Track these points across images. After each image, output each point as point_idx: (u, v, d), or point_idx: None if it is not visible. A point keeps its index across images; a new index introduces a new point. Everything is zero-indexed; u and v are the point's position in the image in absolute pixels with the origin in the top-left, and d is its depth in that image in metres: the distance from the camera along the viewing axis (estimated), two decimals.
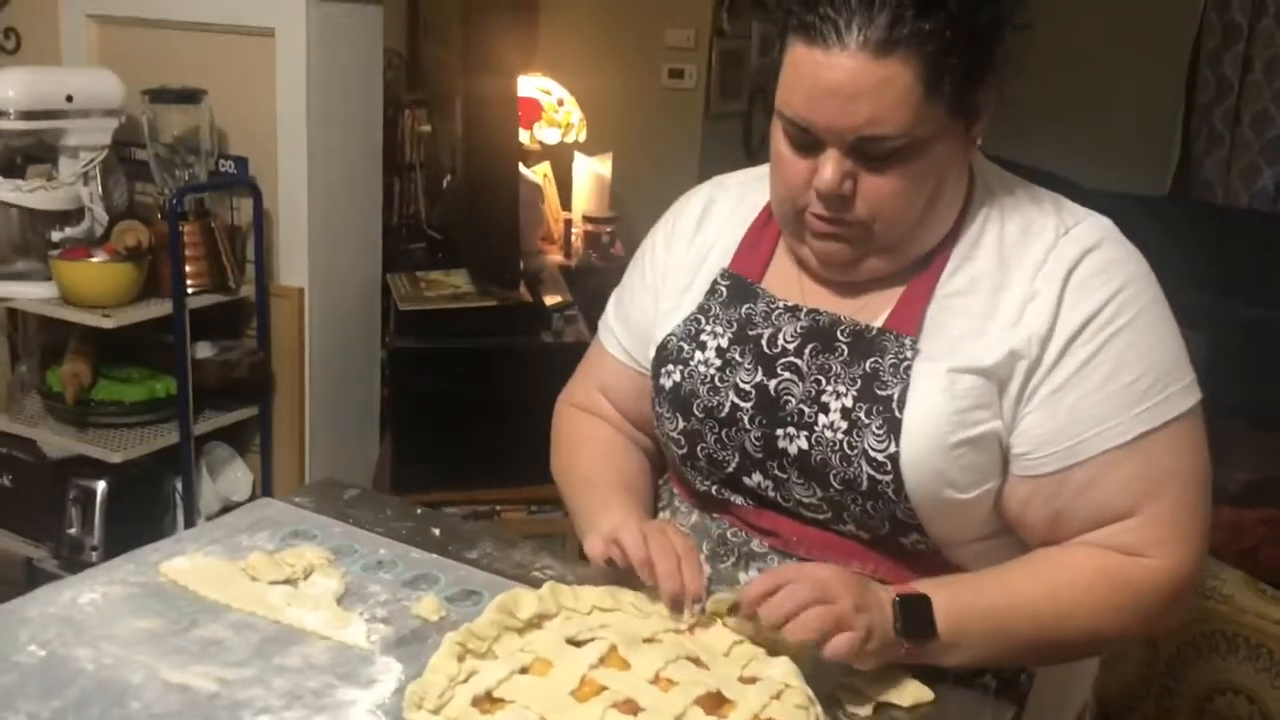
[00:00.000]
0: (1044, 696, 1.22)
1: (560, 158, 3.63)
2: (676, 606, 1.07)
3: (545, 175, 3.50)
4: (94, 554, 2.53)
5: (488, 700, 0.93)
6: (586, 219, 3.47)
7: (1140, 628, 1.15)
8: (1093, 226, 1.14)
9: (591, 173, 3.54)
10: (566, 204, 3.60)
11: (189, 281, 2.56)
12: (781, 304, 1.20)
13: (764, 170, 1.29)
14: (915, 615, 1.05)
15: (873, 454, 1.09)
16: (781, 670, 0.98)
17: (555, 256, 3.40)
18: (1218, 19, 4.85)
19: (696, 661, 0.99)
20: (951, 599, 1.07)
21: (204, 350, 2.65)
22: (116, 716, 0.97)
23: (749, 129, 4.64)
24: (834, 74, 1.03)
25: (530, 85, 3.52)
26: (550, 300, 2.88)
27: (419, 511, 1.38)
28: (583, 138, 3.62)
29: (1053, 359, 1.09)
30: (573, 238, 3.46)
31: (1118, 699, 2.29)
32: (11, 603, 1.13)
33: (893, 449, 1.09)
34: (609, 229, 3.43)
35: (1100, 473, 1.08)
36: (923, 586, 1.08)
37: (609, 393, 1.37)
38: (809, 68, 1.05)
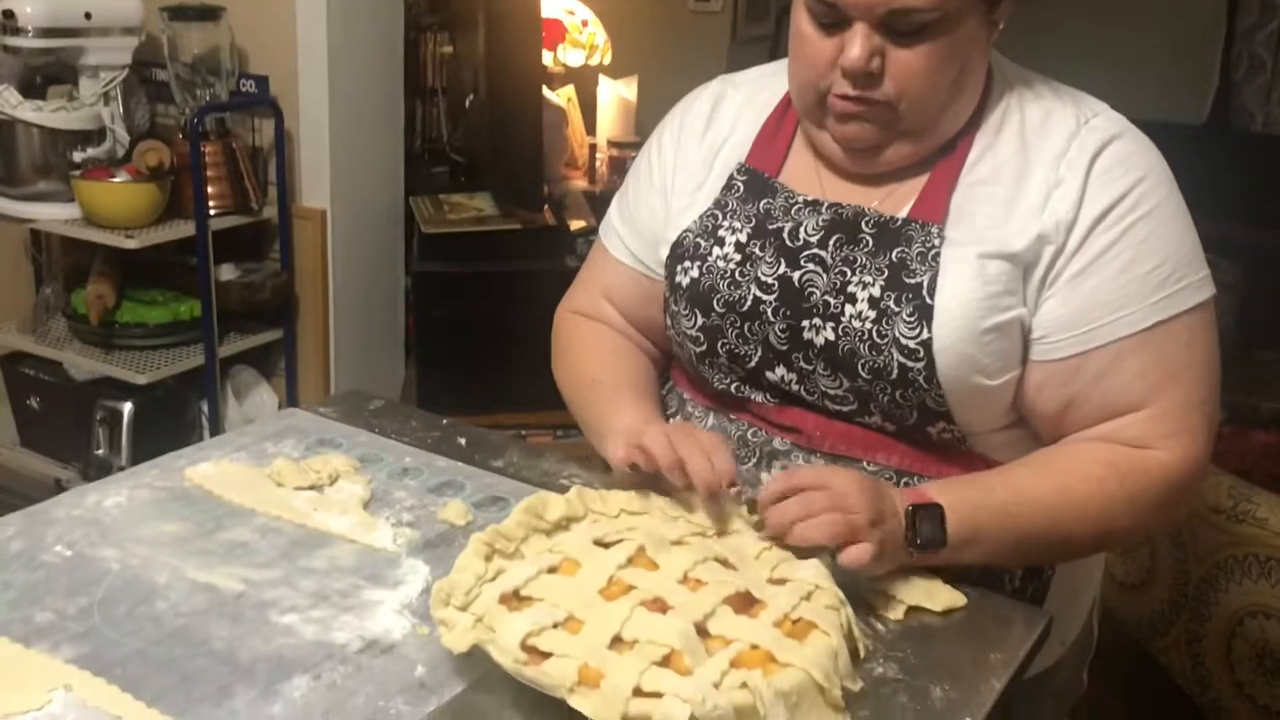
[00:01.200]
0: (1057, 595, 1.21)
1: (585, 81, 3.57)
2: (713, 498, 1.05)
3: (569, 99, 3.45)
4: (133, 467, 2.54)
5: (515, 598, 0.92)
6: (611, 144, 3.42)
7: (1149, 520, 1.14)
8: (1112, 117, 1.14)
9: (616, 96, 3.48)
10: (591, 128, 3.55)
11: (211, 203, 2.55)
12: (801, 198, 1.18)
13: (775, 66, 1.26)
14: (928, 525, 1.04)
15: (904, 341, 1.08)
16: (812, 572, 0.97)
17: (579, 182, 3.36)
18: None
19: (725, 563, 0.98)
20: (960, 501, 1.06)
21: (227, 272, 2.65)
22: (143, 614, 0.96)
23: (775, 53, 4.55)
24: None
25: (554, 5, 3.46)
26: (574, 224, 2.85)
27: (445, 422, 1.37)
28: (607, 60, 3.56)
29: (1075, 245, 1.08)
30: (597, 163, 3.42)
31: (1147, 623, 2.28)
32: (38, 505, 1.13)
33: (925, 335, 1.07)
34: (634, 154, 3.38)
35: (1115, 360, 1.08)
36: (933, 490, 1.08)
37: (613, 297, 1.34)
38: None
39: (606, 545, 0.99)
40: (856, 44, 1.06)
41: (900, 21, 1.04)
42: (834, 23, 1.07)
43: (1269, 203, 4.28)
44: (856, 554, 0.99)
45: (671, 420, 1.30)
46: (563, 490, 1.09)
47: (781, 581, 0.97)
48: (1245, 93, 4.88)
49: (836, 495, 1.02)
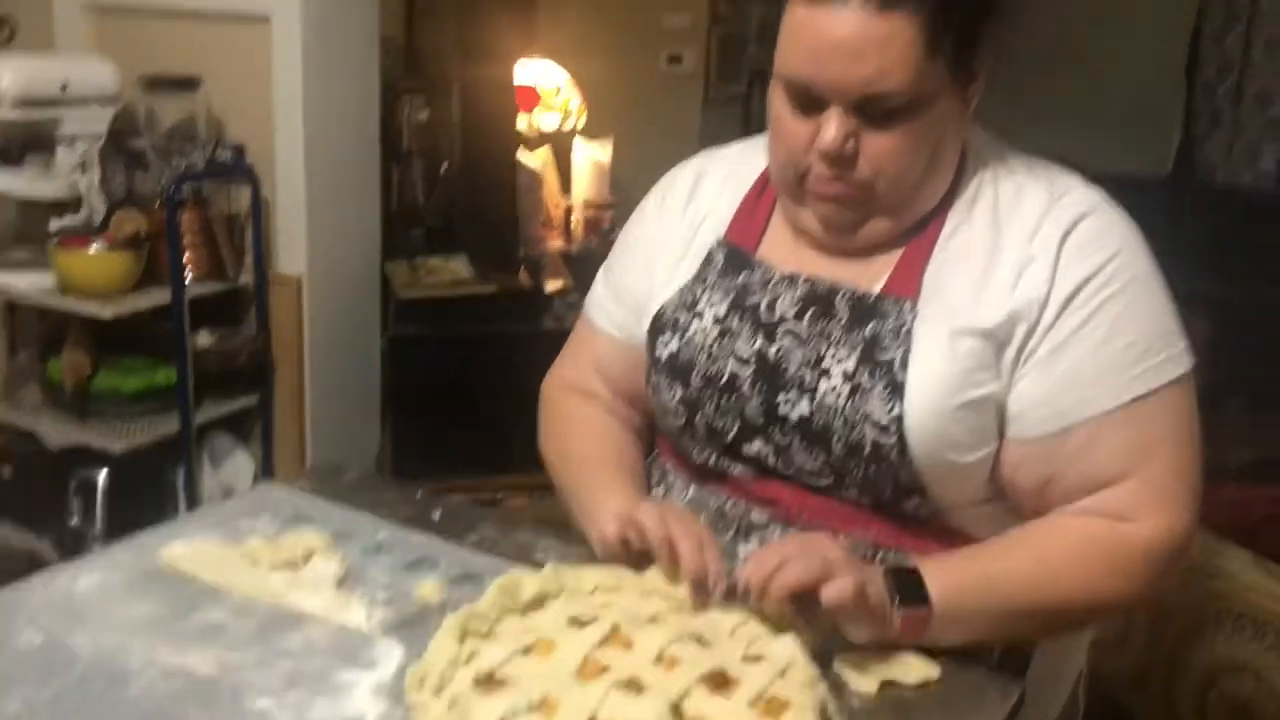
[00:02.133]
0: (1041, 668, 1.21)
1: (560, 144, 3.61)
2: (700, 589, 1.05)
3: (545, 161, 3.49)
4: (96, 545, 2.52)
5: (489, 681, 0.92)
6: (587, 204, 3.46)
7: (1135, 593, 1.14)
8: (1085, 193, 1.15)
9: (591, 158, 3.53)
10: (567, 189, 3.59)
11: (187, 270, 2.56)
12: (778, 272, 1.19)
13: (756, 142, 1.29)
14: (907, 582, 1.04)
15: (876, 417, 1.09)
16: (786, 649, 0.98)
17: (556, 242, 3.39)
18: None
19: (700, 640, 0.98)
20: (940, 568, 1.07)
21: (204, 339, 2.64)
22: (115, 700, 0.96)
23: (748, 113, 4.62)
24: (838, 30, 1.03)
25: (529, 71, 3.51)
26: (551, 286, 2.88)
27: (419, 495, 1.37)
28: (582, 123, 3.61)
29: (1049, 322, 1.09)
30: (573, 223, 3.46)
31: (1124, 680, 2.28)
32: (8, 589, 1.13)
33: (897, 411, 1.08)
34: (609, 214, 3.42)
35: (1093, 437, 1.08)
36: (913, 560, 1.09)
37: (602, 369, 1.35)
38: (811, 26, 1.05)
39: (582, 623, 0.99)
40: (832, 127, 1.07)
41: (874, 105, 1.06)
42: (809, 105, 1.09)
43: (1233, 254, 4.35)
44: (838, 589, 0.98)
45: (655, 489, 1.31)
46: (538, 565, 1.09)
47: (756, 659, 0.97)
48: (1207, 146, 4.98)
49: (811, 543, 1.03)
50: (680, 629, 0.99)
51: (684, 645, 0.97)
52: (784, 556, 1.01)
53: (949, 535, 1.15)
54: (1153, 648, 2.22)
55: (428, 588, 1.14)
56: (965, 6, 1.05)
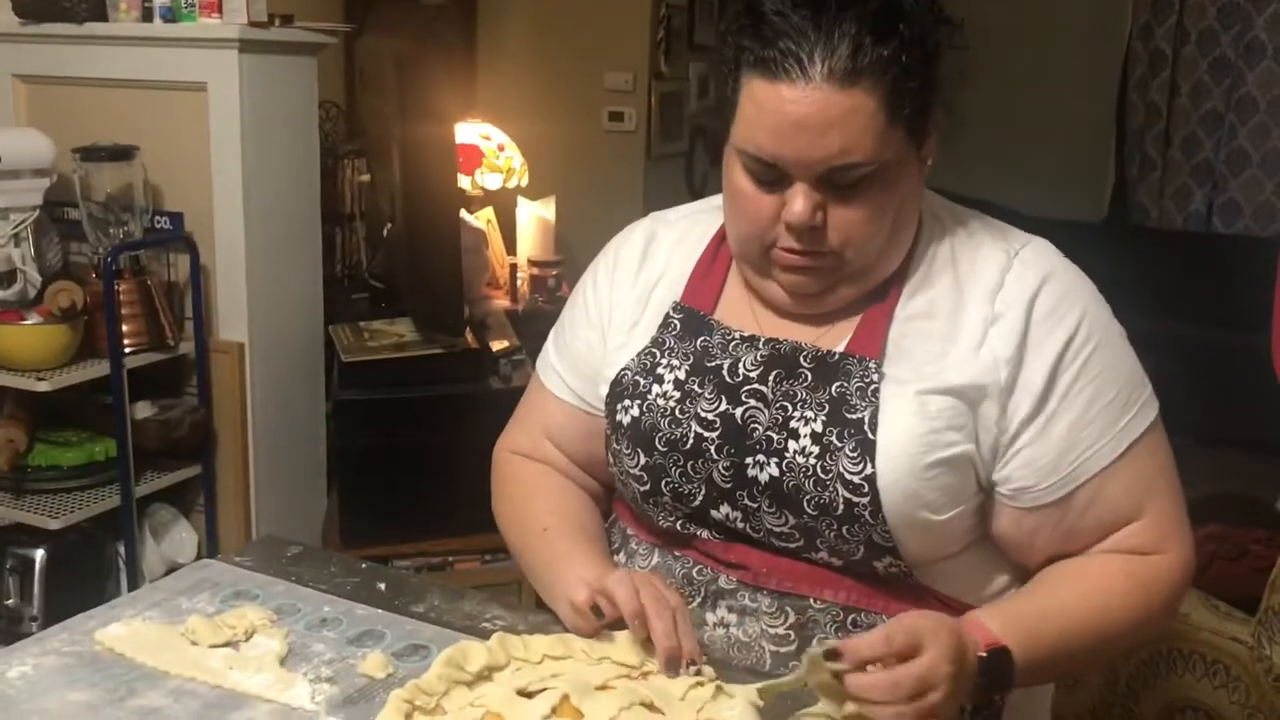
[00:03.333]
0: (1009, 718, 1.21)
1: (503, 203, 3.62)
2: (672, 666, 1.04)
3: (489, 221, 3.49)
4: (34, 625, 2.46)
5: None
6: (532, 263, 3.45)
7: (1163, 621, 1.20)
8: (1039, 249, 1.17)
9: (535, 217, 3.53)
10: (511, 249, 3.59)
11: (126, 341, 2.52)
12: (738, 334, 1.19)
13: (707, 204, 1.29)
14: (998, 674, 1.04)
15: (848, 476, 1.09)
16: (738, 713, 0.96)
17: (502, 301, 3.37)
18: (1143, 47, 4.97)
19: (650, 707, 0.97)
20: (1023, 639, 1.06)
21: (143, 410, 2.60)
22: None
23: (690, 169, 4.67)
24: (801, 108, 1.03)
25: (470, 132, 3.52)
26: (497, 345, 2.86)
27: (364, 566, 1.35)
28: (525, 182, 3.62)
29: (1038, 391, 1.10)
30: (519, 282, 3.45)
31: None
32: None
33: (868, 470, 1.08)
34: (555, 272, 3.42)
35: (1100, 489, 1.12)
36: (990, 621, 1.06)
37: (554, 435, 1.34)
38: (774, 103, 1.05)
39: (530, 694, 0.98)
40: (799, 201, 1.08)
41: (840, 176, 1.06)
42: (773, 180, 1.09)
43: (1171, 293, 4.45)
44: None
45: (616, 557, 1.29)
46: (486, 635, 1.07)
47: None
48: (1140, 190, 5.11)
49: (921, 680, 0.96)
50: (631, 696, 0.98)
51: (635, 713, 0.96)
52: (892, 690, 0.95)
53: (919, 594, 1.15)
54: (1108, 688, 2.22)
55: (374, 662, 1.12)
56: (922, 72, 1.06)
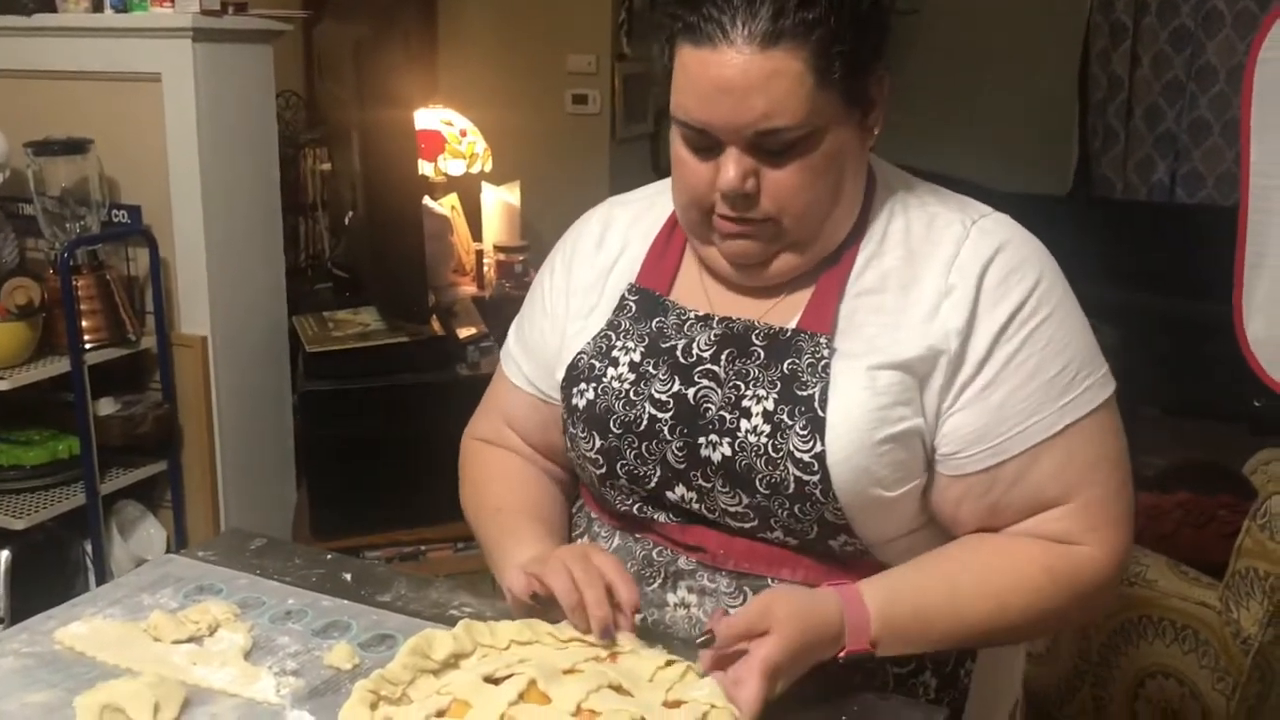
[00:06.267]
0: (977, 695, 1.21)
1: (468, 189, 3.59)
2: (608, 635, 1.04)
3: (453, 207, 3.46)
4: (1, 627, 2.42)
5: None
6: (498, 249, 3.43)
7: (1080, 616, 1.17)
8: (998, 220, 1.15)
9: (500, 202, 3.51)
10: (477, 235, 3.57)
11: (86, 336, 2.48)
12: (692, 314, 1.19)
13: (662, 185, 1.28)
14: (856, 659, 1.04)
15: (798, 455, 1.08)
16: (707, 693, 0.96)
17: (469, 288, 3.35)
18: (1104, 19, 4.98)
19: (619, 689, 0.96)
20: (884, 597, 1.06)
21: (106, 406, 2.57)
22: None
23: (656, 151, 4.65)
24: (724, 71, 1.03)
25: (432, 117, 3.49)
26: (464, 333, 2.84)
27: (329, 557, 1.33)
28: (489, 168, 3.59)
29: (979, 357, 1.09)
30: (485, 268, 3.43)
31: (1054, 691, 2.30)
32: None
33: (818, 448, 1.07)
34: (521, 258, 3.40)
35: (1029, 465, 1.09)
36: (865, 587, 1.07)
37: (514, 424, 1.34)
38: (699, 68, 1.05)
39: (497, 681, 0.97)
40: (730, 167, 1.07)
41: (769, 141, 1.05)
42: (707, 147, 1.08)
43: (1135, 264, 4.48)
44: (746, 696, 0.96)
45: (579, 540, 1.29)
46: (454, 622, 1.06)
47: (677, 704, 0.95)
48: (1104, 162, 5.13)
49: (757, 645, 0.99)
50: (599, 679, 0.97)
51: (603, 695, 0.95)
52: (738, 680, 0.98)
53: (876, 571, 1.13)
54: (1080, 657, 2.24)
55: (340, 653, 1.11)
56: (854, 35, 1.04)
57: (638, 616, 1.05)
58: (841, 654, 1.04)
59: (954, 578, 1.10)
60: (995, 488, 1.10)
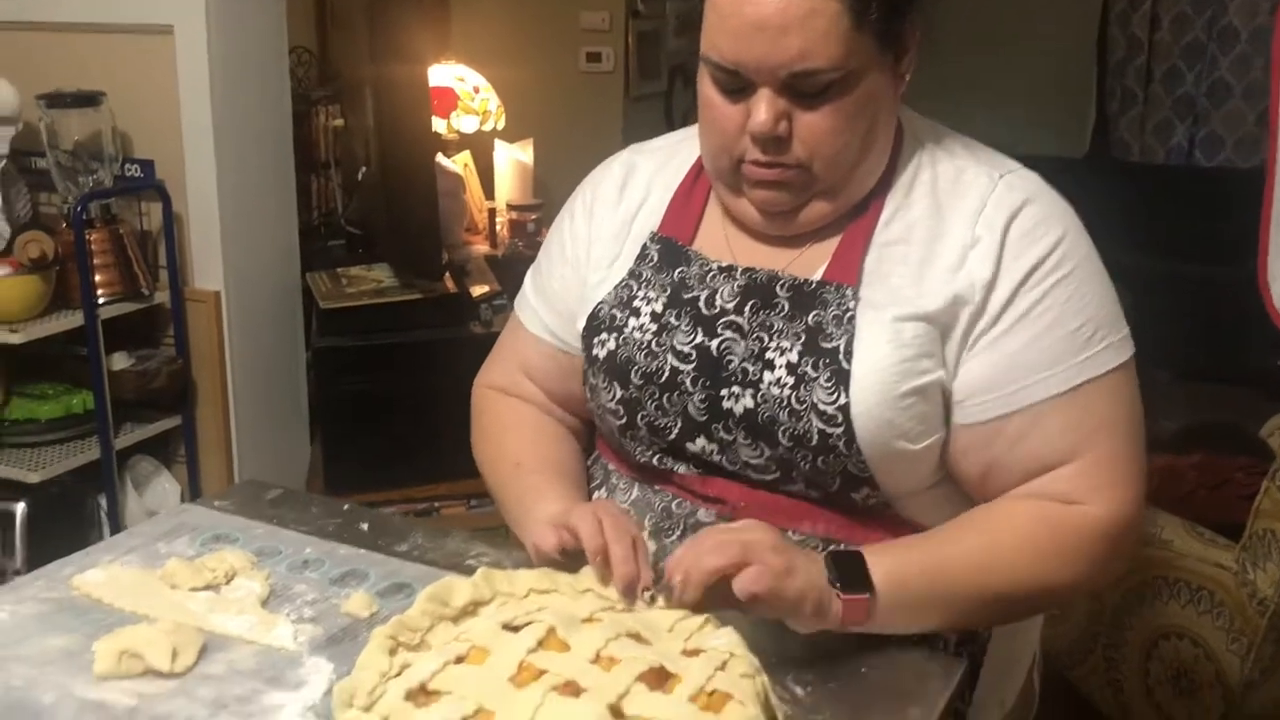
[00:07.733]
0: (996, 656, 1.20)
1: (480, 146, 3.57)
2: (629, 592, 1.02)
3: (466, 165, 3.44)
4: (16, 578, 2.43)
5: (422, 693, 0.88)
6: (511, 207, 3.41)
7: (1087, 576, 1.11)
8: (1025, 176, 1.14)
9: (513, 160, 3.49)
10: (490, 193, 3.55)
11: (100, 291, 2.48)
12: (715, 265, 1.17)
13: (685, 134, 1.26)
14: (848, 567, 1.02)
15: (822, 407, 1.07)
16: (726, 641, 0.95)
17: (481, 247, 3.34)
18: None
19: (638, 638, 0.96)
20: (885, 553, 1.05)
21: (120, 361, 2.57)
22: None
23: (670, 108, 4.61)
24: (760, 9, 1.01)
25: (445, 74, 3.46)
26: (477, 290, 2.83)
27: (346, 507, 1.33)
28: (502, 125, 3.57)
29: (998, 307, 1.07)
30: (498, 227, 3.41)
31: (1067, 652, 2.30)
32: None
33: (842, 400, 1.06)
34: (534, 216, 3.38)
35: (1036, 421, 1.07)
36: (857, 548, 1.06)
37: (532, 373, 1.32)
38: (733, 5, 1.03)
39: (515, 628, 0.96)
40: (762, 108, 1.05)
41: (803, 83, 1.04)
42: (739, 89, 1.06)
43: (1152, 228, 4.44)
44: (749, 577, 0.96)
45: (597, 492, 1.28)
46: (470, 572, 1.06)
47: (695, 653, 0.95)
48: (1121, 124, 5.07)
49: (735, 531, 1.01)
50: (617, 627, 0.96)
51: (621, 644, 0.94)
52: (702, 547, 0.99)
53: (899, 525, 1.13)
54: (1093, 619, 2.24)
55: (357, 601, 1.11)
56: None
57: (647, 593, 1.03)
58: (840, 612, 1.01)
59: (943, 530, 1.09)
60: (998, 441, 1.08)
